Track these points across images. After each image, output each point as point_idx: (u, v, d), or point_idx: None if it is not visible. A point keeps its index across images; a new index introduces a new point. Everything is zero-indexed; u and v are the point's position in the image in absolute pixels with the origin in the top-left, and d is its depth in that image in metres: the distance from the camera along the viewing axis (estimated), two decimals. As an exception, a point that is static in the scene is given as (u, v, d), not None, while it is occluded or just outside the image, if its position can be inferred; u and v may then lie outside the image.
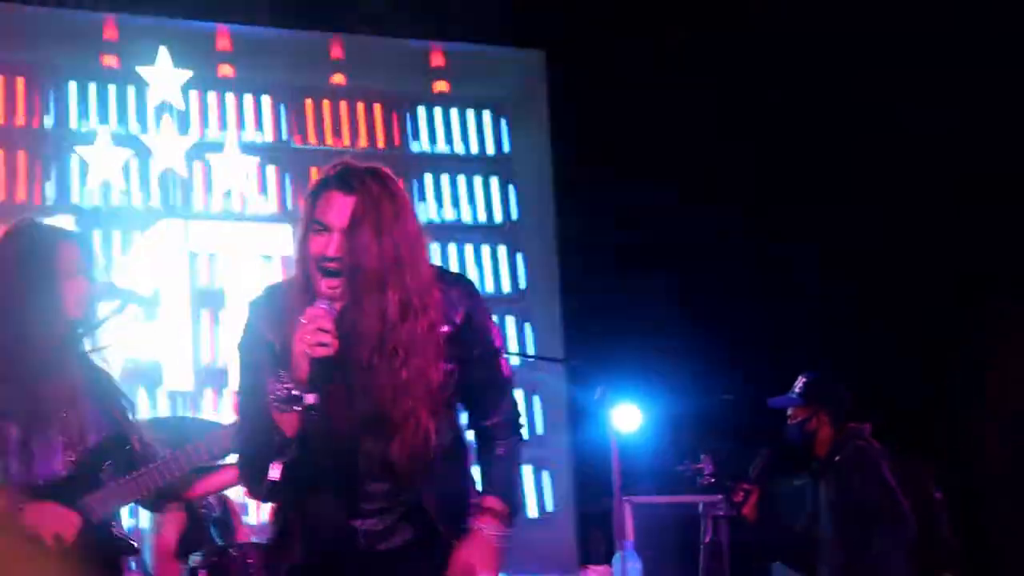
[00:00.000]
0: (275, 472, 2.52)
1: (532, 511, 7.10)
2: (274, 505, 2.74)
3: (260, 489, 2.60)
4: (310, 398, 2.46)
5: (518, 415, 2.86)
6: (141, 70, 6.88)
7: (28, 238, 3.42)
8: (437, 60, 7.64)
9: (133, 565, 4.07)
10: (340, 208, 2.51)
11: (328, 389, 2.49)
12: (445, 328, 2.61)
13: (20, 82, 6.79)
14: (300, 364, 2.46)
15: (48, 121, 6.84)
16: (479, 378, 2.73)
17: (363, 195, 2.51)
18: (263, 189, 7.15)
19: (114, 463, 3.40)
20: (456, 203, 7.60)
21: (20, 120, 6.78)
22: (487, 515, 2.70)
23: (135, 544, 3.53)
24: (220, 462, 3.45)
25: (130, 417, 3.58)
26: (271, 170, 7.20)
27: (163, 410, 6.45)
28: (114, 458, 3.43)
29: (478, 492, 2.77)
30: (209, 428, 3.73)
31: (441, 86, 7.65)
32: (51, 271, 3.31)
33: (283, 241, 6.81)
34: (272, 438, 2.51)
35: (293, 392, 2.46)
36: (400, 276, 2.53)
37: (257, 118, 7.25)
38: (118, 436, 3.46)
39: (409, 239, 2.56)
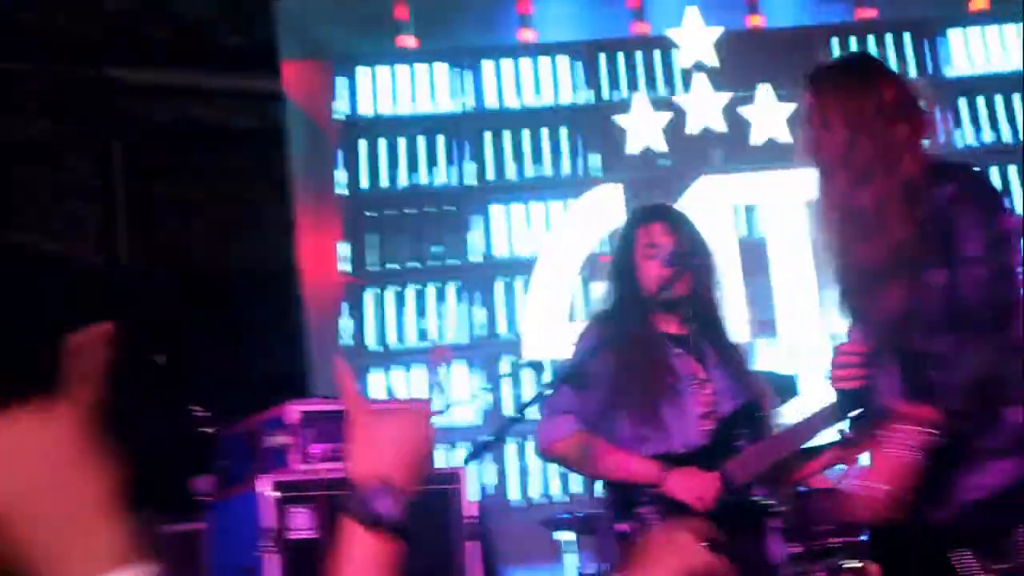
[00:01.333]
0: None
1: None
2: None
3: None
4: None
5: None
6: (671, 32, 7.00)
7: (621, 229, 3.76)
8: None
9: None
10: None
11: None
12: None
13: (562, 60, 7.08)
14: None
15: (583, 96, 7.10)
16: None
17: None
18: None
19: (749, 431, 3.50)
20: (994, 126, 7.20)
21: (565, 98, 7.07)
22: None
23: (776, 508, 3.60)
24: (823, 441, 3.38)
25: (762, 387, 3.67)
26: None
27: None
28: (749, 427, 3.52)
29: None
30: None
31: (978, 3, 7.25)
32: (630, 255, 3.60)
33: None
34: None
35: None
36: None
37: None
38: (751, 405, 3.55)
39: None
